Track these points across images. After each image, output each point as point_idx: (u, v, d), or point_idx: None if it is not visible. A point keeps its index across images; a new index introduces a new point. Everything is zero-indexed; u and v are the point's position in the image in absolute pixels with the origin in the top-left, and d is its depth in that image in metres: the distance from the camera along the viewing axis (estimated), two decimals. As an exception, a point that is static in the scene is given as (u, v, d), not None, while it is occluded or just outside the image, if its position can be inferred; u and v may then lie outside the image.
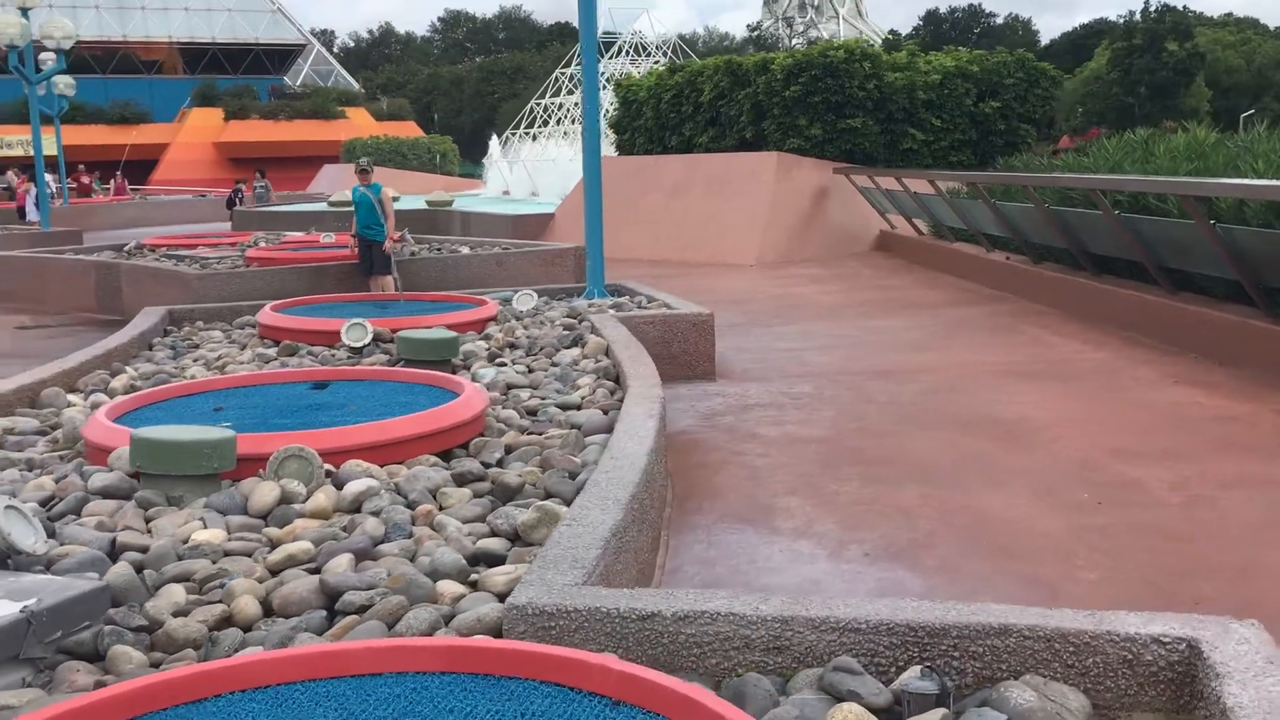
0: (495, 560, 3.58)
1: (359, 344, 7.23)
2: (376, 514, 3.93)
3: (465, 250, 14.64)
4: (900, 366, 8.67)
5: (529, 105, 36.07)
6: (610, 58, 40.09)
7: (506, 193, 32.75)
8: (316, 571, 3.41)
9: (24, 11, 20.32)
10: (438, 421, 4.79)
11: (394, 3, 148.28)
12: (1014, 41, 69.22)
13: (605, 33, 44.26)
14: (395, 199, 12.67)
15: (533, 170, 31.95)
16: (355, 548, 3.56)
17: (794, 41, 72.40)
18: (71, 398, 6.06)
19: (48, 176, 28.24)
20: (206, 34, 58.95)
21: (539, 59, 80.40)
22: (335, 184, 37.27)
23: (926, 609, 2.87)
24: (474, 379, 6.31)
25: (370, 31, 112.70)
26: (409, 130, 55.55)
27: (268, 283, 12.24)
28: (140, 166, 50.74)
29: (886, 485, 5.53)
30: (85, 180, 38.37)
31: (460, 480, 4.35)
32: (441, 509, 4.10)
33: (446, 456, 4.87)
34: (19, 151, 45.59)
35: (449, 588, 3.28)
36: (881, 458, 6.03)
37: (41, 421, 5.57)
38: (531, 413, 5.71)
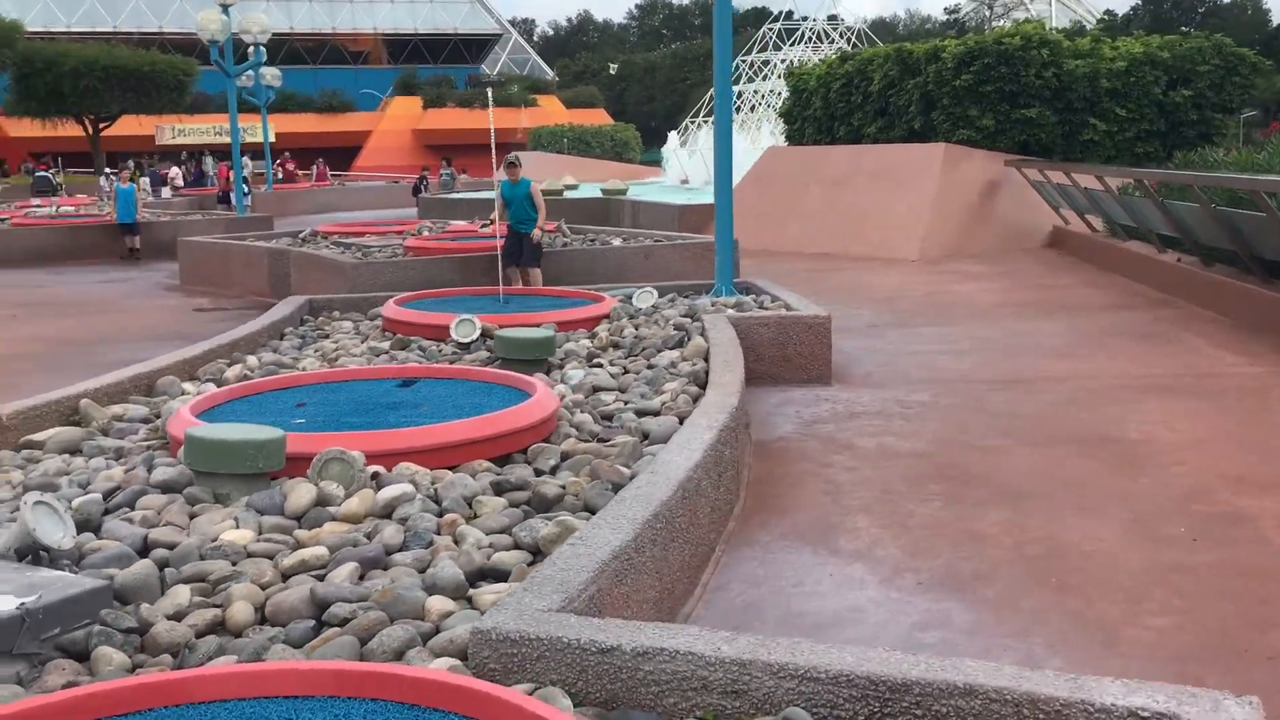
0: (502, 576, 3.57)
1: (467, 340, 7.35)
2: (404, 521, 3.98)
3: (616, 242, 14.71)
4: (1034, 374, 8.25)
5: (709, 93, 35.99)
6: (791, 44, 39.60)
7: (684, 181, 32.80)
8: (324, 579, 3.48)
9: (225, 9, 21.48)
10: (492, 427, 4.81)
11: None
12: (1241, 23, 64.88)
13: (789, 18, 43.74)
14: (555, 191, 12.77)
15: (709, 159, 31.86)
16: (366, 556, 3.61)
17: (997, 24, 69.78)
18: (187, 386, 6.37)
19: (247, 162, 29.97)
20: (409, 25, 61.16)
21: (731, 45, 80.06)
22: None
23: (893, 661, 2.70)
24: (562, 380, 6.33)
25: (569, 19, 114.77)
26: (597, 118, 56.29)
27: (419, 273, 12.59)
28: (344, 154, 53.11)
29: (968, 507, 5.26)
30: (290, 166, 40.42)
31: (499, 489, 4.36)
32: (476, 517, 4.11)
33: (506, 461, 4.90)
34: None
35: (439, 604, 3.28)
36: (974, 476, 5.75)
37: (150, 410, 5.88)
38: (607, 418, 5.68)
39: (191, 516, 4.05)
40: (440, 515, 4.06)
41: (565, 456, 4.89)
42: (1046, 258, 15.94)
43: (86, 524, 3.91)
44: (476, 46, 64.04)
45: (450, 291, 9.53)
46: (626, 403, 5.94)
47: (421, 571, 3.56)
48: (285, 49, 58.76)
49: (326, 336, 8.39)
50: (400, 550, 3.76)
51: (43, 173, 34.48)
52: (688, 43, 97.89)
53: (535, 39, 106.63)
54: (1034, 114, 17.31)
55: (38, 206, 24.93)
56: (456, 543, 3.84)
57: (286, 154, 42.43)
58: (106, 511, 4.16)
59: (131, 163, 39.03)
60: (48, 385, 6.42)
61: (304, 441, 4.54)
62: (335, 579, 3.44)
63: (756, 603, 4.27)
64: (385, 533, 3.81)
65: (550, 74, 70.98)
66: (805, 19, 44.52)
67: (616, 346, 7.38)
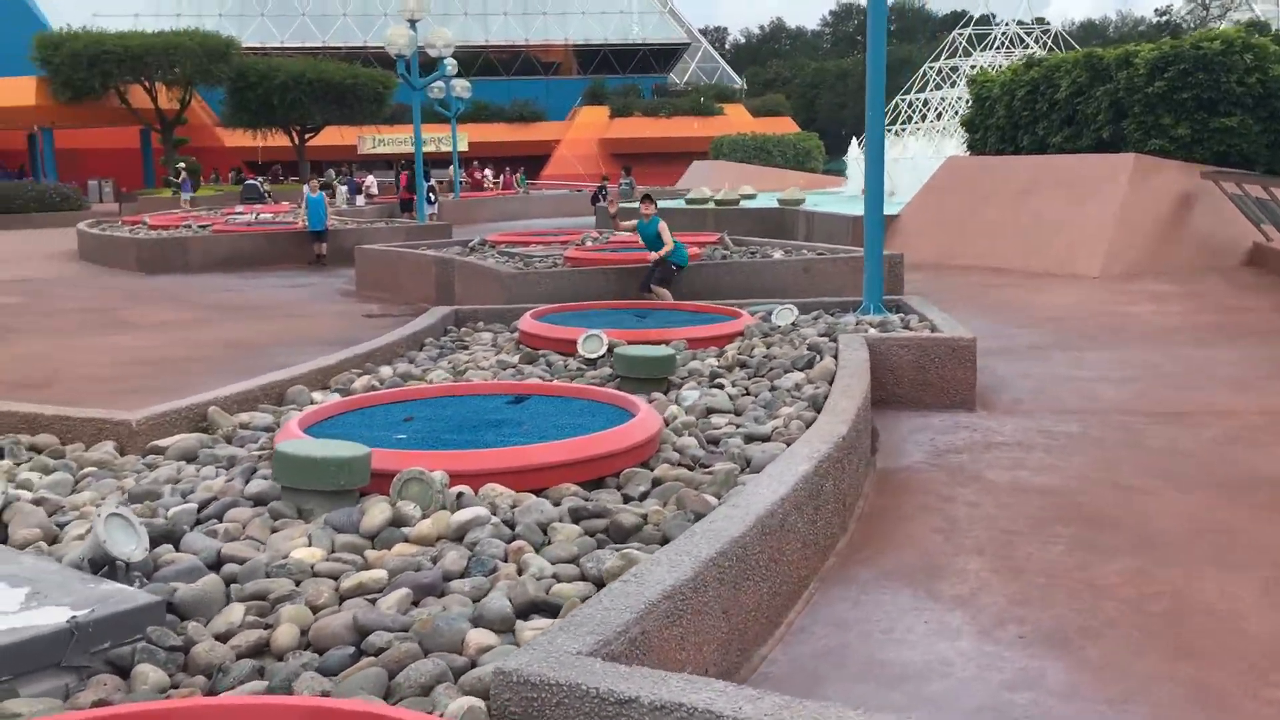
0: (555, 610, 3.47)
1: (594, 355, 7.31)
2: (474, 546, 3.93)
3: (777, 255, 14.47)
4: (1201, 407, 7.66)
5: (894, 101, 35.15)
6: (983, 49, 38.29)
7: (866, 191, 32.17)
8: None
9: (412, 24, 22.22)
10: (581, 450, 4.73)
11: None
12: None
13: (983, 22, 42.29)
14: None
15: (891, 168, 31.16)
16: (422, 582, 3.58)
17: (1214, 25, 65.93)
18: (316, 395, 6.54)
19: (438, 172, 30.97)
20: (599, 36, 62.13)
21: (927, 51, 78.47)
22: (700, 180, 38.17)
23: (923, 737, 2.48)
24: (676, 401, 6.21)
25: (761, 27, 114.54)
26: (784, 126, 55.89)
27: (574, 284, 12.67)
28: (534, 162, 54.35)
29: (1094, 554, 4.87)
30: (479, 176, 41.59)
31: (576, 515, 4.27)
32: (549, 545, 4.03)
33: (599, 484, 4.82)
34: (430, 148, 50.16)
35: (480, 638, 3.21)
36: (1108, 519, 5.33)
37: (274, 419, 6.05)
38: (714, 442, 5.53)
39: (273, 531, 4.12)
40: (510, 541, 3.99)
41: (657, 483, 4.77)
42: (1241, 278, 14.86)
43: (170, 535, 4.01)
44: (665, 56, 64.52)
45: (589, 305, 9.52)
46: (738, 426, 5.77)
47: (475, 601, 3.50)
48: (480, 61, 60.63)
49: (466, 348, 8.51)
50: (461, 577, 3.71)
51: (251, 181, 36.44)
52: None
53: (727, 47, 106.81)
54: (1235, 123, 16.18)
55: (240, 213, 26.34)
56: (520, 572, 3.77)
57: (475, 163, 43.68)
58: (198, 522, 4.28)
59: (332, 171, 41.01)
60: (210, 388, 6.70)
61: (394, 459, 4.56)
62: (384, 605, 3.41)
63: (838, 648, 4.04)
64: (447, 558, 3.77)
65: (739, 82, 70.90)
66: (1003, 22, 43.08)
67: (743, 366, 7.21)
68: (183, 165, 35.74)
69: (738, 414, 6.09)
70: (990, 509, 5.54)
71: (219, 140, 51.93)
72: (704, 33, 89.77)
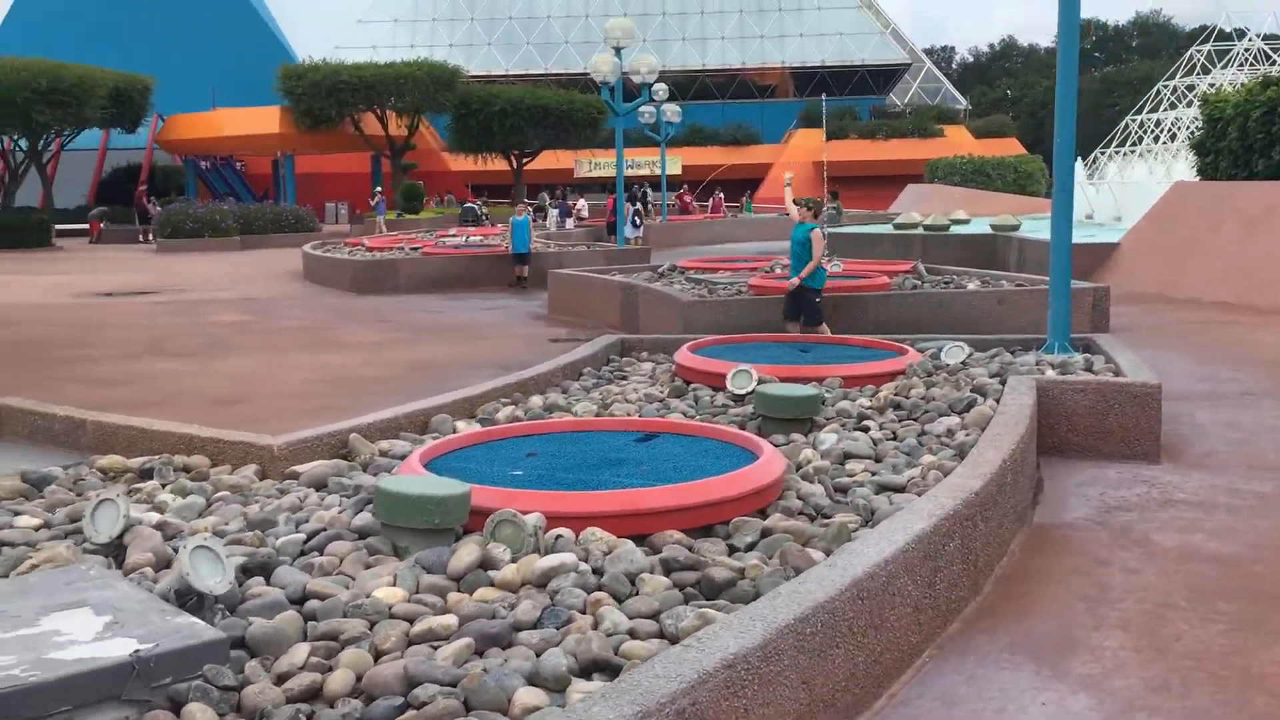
0: (617, 671, 3.33)
1: (742, 392, 7.12)
2: (555, 594, 3.84)
3: (971, 285, 13.87)
4: None
5: (1124, 121, 33.27)
6: (1223, 67, 35.81)
7: (1089, 217, 30.64)
8: (443, 651, 3.40)
9: (617, 51, 22.57)
10: (688, 496, 4.57)
11: (1024, 15, 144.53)
12: None
13: (1223, 36, 39.61)
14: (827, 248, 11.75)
15: (1117, 192, 29.56)
16: (489, 632, 3.50)
17: None
18: (459, 425, 6.61)
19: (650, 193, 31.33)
20: (817, 58, 61.65)
21: (1170, 68, 74.32)
22: (915, 204, 37.23)
23: None
24: (813, 444, 5.96)
25: (991, 45, 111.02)
26: (1007, 148, 53.91)
27: (754, 313, 12.48)
28: (748, 185, 54.32)
29: (1256, 637, 4.36)
30: (687, 199, 41.87)
31: (667, 566, 4.11)
32: (634, 596, 3.90)
33: (708, 531, 4.65)
34: (645, 172, 51.03)
35: (528, 698, 3.10)
36: (1283, 597, 4.77)
37: (414, 447, 6.13)
38: (842, 490, 5.26)
39: (366, 568, 4.13)
40: (593, 591, 3.88)
41: (767, 533, 4.55)
42: None
43: (266, 567, 4.08)
44: (884, 77, 63.41)
45: (751, 337, 9.31)
46: (873, 475, 5.48)
47: (539, 655, 3.40)
48: (696, 85, 61.15)
49: (624, 378, 8.46)
50: (533, 627, 3.61)
51: (470, 204, 37.85)
52: (1121, 66, 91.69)
53: (953, 66, 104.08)
54: None
55: (452, 235, 27.35)
56: (596, 625, 3.65)
57: (684, 186, 43.99)
58: (302, 553, 4.34)
59: (546, 195, 42.16)
60: (380, 409, 6.89)
61: (498, 497, 4.53)
62: (442, 655, 3.35)
63: (941, 728, 3.74)
64: (521, 607, 3.68)
65: (963, 103, 68.94)
66: (1248, 37, 40.23)
67: (896, 408, 6.87)
68: (379, 189, 37.43)
69: (877, 460, 5.79)
70: (1149, 576, 5.05)
71: (445, 164, 54.21)
72: (929, 52, 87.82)
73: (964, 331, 12.16)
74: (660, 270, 16.89)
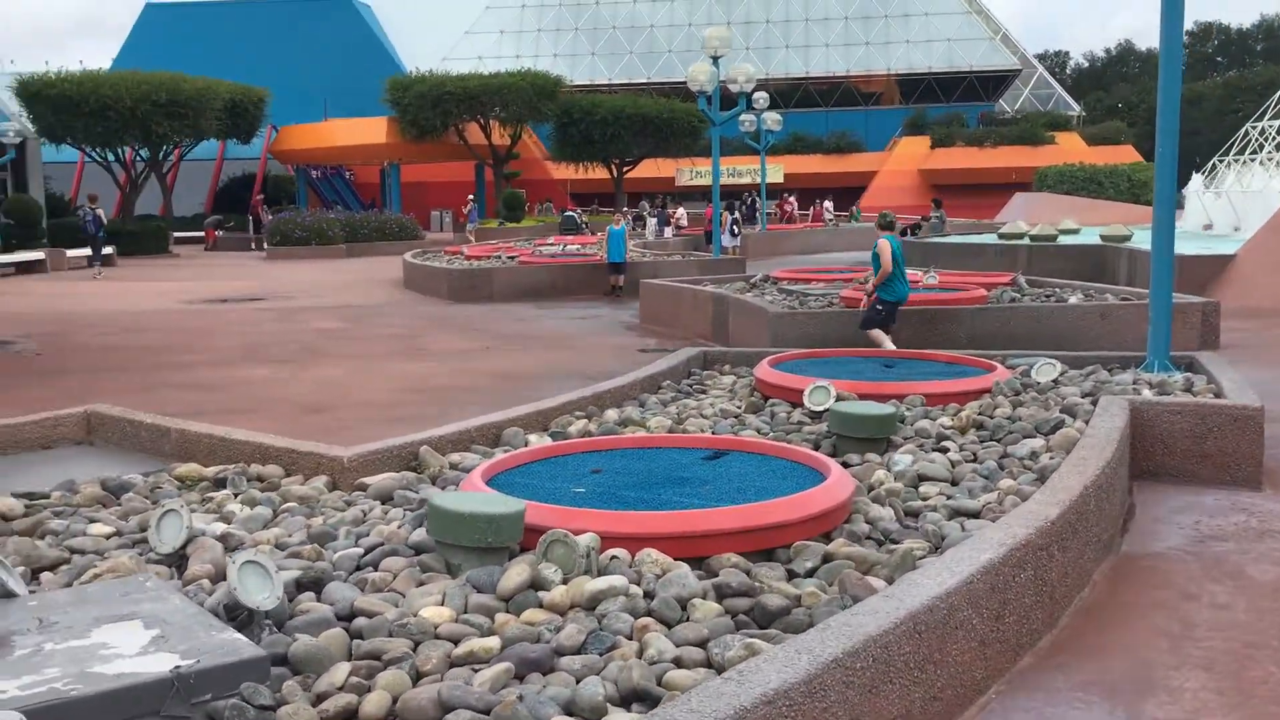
0: (656, 701, 3.24)
1: (820, 408, 6.97)
2: (602, 618, 3.77)
3: (1073, 299, 13.44)
4: None
5: (1244, 128, 32.01)
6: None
7: (1207, 227, 29.56)
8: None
9: (714, 60, 22.48)
10: (747, 519, 4.46)
11: (1143, 19, 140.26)
12: None
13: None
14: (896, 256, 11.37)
15: (1236, 201, 28.43)
16: (530, 656, 3.44)
17: None
18: (531, 438, 6.59)
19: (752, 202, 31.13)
20: (924, 64, 60.72)
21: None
22: (1022, 213, 36.36)
23: None
24: (889, 466, 5.79)
25: (1107, 50, 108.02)
26: (1122, 155, 52.38)
27: (841, 327, 12.27)
28: (852, 194, 53.74)
29: (1353, 683, 4.08)
30: (788, 207, 41.55)
31: (720, 592, 4.01)
32: (685, 622, 3.81)
33: (769, 555, 4.53)
34: (747, 180, 50.84)
35: (561, 727, 3.04)
36: (1386, 639, 4.47)
37: (484, 460, 6.12)
38: (913, 515, 5.09)
39: (418, 585, 4.11)
40: (641, 616, 3.79)
41: (828, 559, 4.42)
42: None
43: (319, 582, 4.09)
44: (993, 83, 62.15)
45: (836, 351, 9.12)
46: (948, 499, 5.30)
47: (579, 682, 3.33)
48: (799, 93, 60.73)
49: (704, 392, 8.37)
50: (576, 653, 3.54)
51: (570, 213, 38.10)
52: (1245, 70, 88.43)
53: (1067, 71, 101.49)
54: None
55: (550, 244, 27.53)
56: (642, 652, 3.57)
57: (786, 194, 43.67)
58: (358, 568, 4.35)
59: (646, 203, 42.21)
60: (464, 418, 6.93)
61: (555, 516, 4.48)
62: (479, 680, 3.30)
63: (1001, 770, 3.56)
64: (565, 631, 3.62)
65: (1076, 109, 67.22)
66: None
67: (979, 428, 6.64)
68: (471, 197, 37.87)
69: (953, 483, 5.59)
70: (1239, 613, 4.78)
71: (547, 173, 54.74)
72: (1042, 58, 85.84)
73: (1063, 347, 11.80)
74: (753, 281, 16.74)
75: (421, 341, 15.07)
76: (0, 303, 21.24)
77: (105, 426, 7.03)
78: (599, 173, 47.87)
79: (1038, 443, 6.17)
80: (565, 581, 4.03)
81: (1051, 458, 5.85)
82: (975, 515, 5.06)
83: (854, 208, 44.05)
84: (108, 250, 28.86)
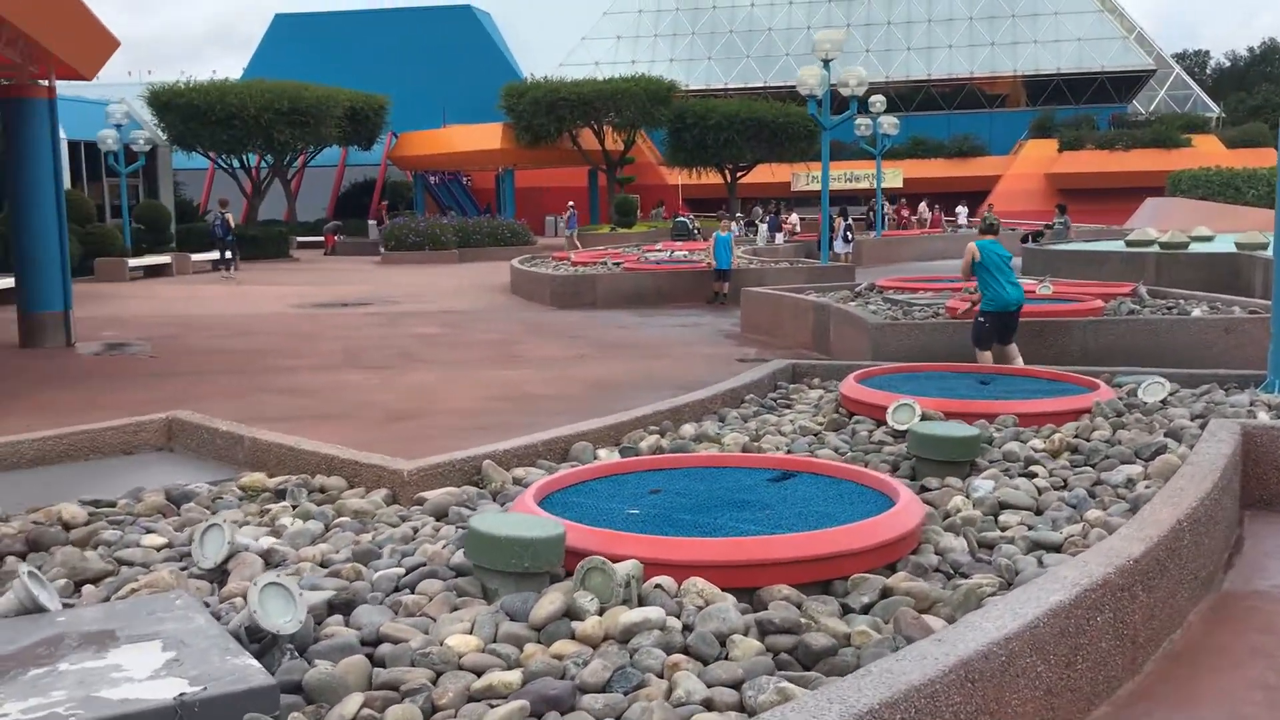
0: (675, 749, 3.03)
1: (903, 427, 6.64)
2: (634, 653, 3.57)
3: (1196, 312, 12.73)
4: None
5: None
6: None
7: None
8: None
9: (825, 64, 22.09)
10: (801, 548, 4.21)
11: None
12: None
13: None
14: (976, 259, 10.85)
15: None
16: (549, 694, 3.26)
17: None
18: (601, 452, 6.42)
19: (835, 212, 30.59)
20: (1051, 65, 58.96)
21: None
22: (1152, 220, 34.97)
23: None
24: (968, 492, 5.46)
25: (1250, 49, 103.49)
26: (1265, 159, 50.00)
27: (948, 339, 11.83)
28: (974, 198, 52.46)
29: None
30: (905, 213, 40.70)
31: (763, 628, 3.77)
32: (724, 659, 3.59)
33: (826, 587, 4.28)
34: (865, 185, 50.02)
35: (568, 775, 2.85)
36: None
37: (550, 475, 5.97)
38: (988, 547, 4.77)
39: (452, 609, 3.97)
40: (675, 652, 3.58)
41: (887, 593, 4.14)
42: None
43: (350, 604, 3.98)
44: (1126, 84, 60.02)
45: (928, 366, 8.73)
46: (1030, 529, 4.96)
47: (598, 722, 3.14)
48: (921, 95, 59.56)
49: (789, 406, 8.10)
50: (600, 691, 3.35)
51: (682, 218, 37.95)
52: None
53: (1207, 72, 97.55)
54: None
55: (658, 250, 27.42)
56: (673, 689, 3.36)
57: (902, 200, 42.79)
58: (397, 589, 4.23)
59: (759, 209, 41.83)
60: (551, 427, 6.85)
61: (600, 540, 4.30)
62: (491, 718, 3.13)
63: (1060, 836, 3.25)
64: (590, 667, 3.42)
65: (1215, 110, 64.54)
66: None
67: (1074, 452, 6.25)
68: (571, 204, 37.95)
69: (1038, 512, 5.24)
70: (1350, 665, 4.35)
71: (662, 178, 54.71)
72: (1180, 58, 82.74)
73: (1183, 364, 11.20)
74: (858, 289, 16.34)
75: (518, 348, 15.07)
76: (127, 306, 22.01)
77: (185, 433, 7.09)
78: (713, 178, 47.63)
79: (1135, 469, 5.77)
80: (602, 612, 3.84)
81: (1148, 486, 5.45)
82: (1057, 549, 4.72)
83: (986, 208, 42.43)
84: (227, 255, 29.73)
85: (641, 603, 3.93)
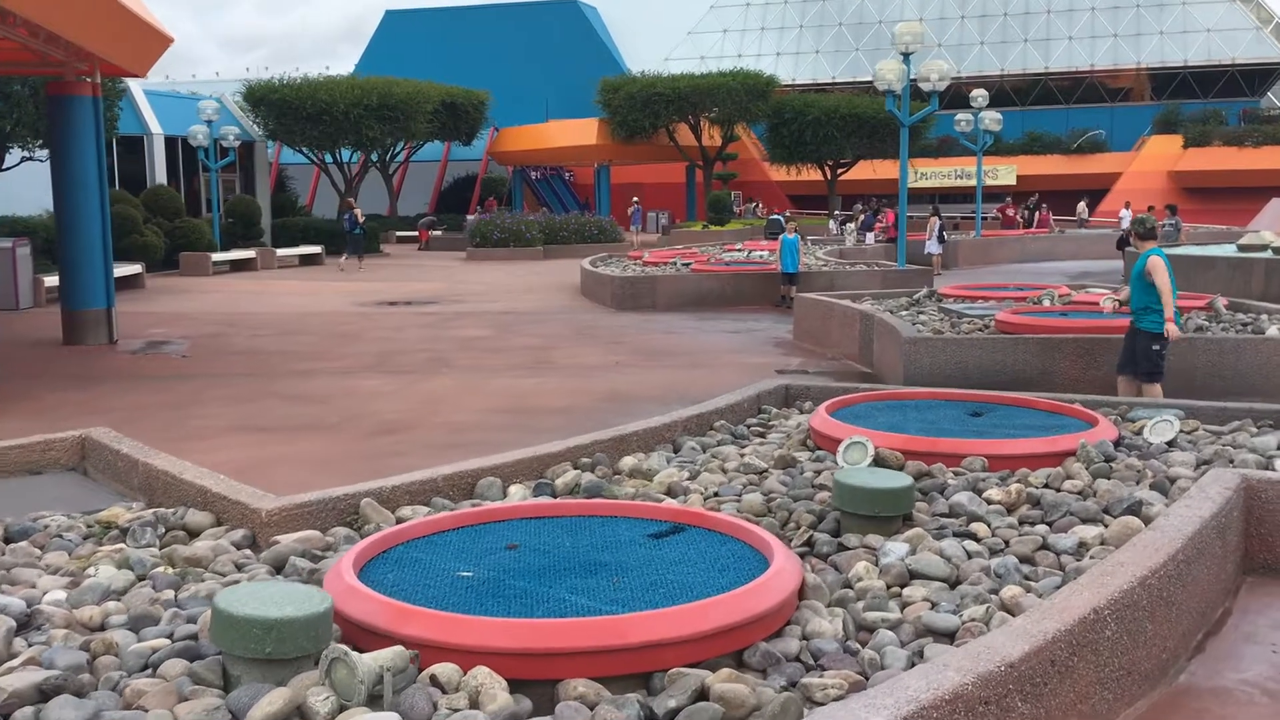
0: None
1: (853, 468, 5.88)
2: (345, 771, 2.97)
3: (1272, 330, 11.51)
4: None
5: None
6: None
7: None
8: None
9: (905, 58, 21.06)
10: (598, 636, 3.54)
11: None
12: None
13: None
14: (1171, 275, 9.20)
15: None
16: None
17: None
18: (513, 490, 5.82)
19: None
20: (1178, 57, 56.08)
21: None
22: (1275, 222, 32.76)
23: None
24: (877, 555, 4.70)
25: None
26: None
27: (989, 357, 10.92)
28: (1094, 197, 50.23)
29: None
30: (1010, 213, 39.04)
31: (515, 743, 3.12)
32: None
33: (645, 681, 3.61)
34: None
35: None
36: None
37: (432, 511, 5.39)
38: (870, 629, 4.03)
39: (181, 700, 3.41)
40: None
41: (700, 696, 3.46)
42: None
43: (61, 689, 3.43)
44: (1259, 77, 56.76)
45: (918, 394, 7.84)
46: (933, 607, 4.20)
47: None
48: (1038, 89, 57.33)
49: (763, 435, 7.38)
50: (267, 825, 2.76)
51: (776, 215, 36.99)
52: None
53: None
54: None
55: (738, 249, 26.65)
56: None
57: (1008, 199, 41.07)
58: (145, 667, 3.69)
59: (859, 205, 40.63)
60: (541, 444, 6.35)
61: (384, 615, 3.71)
62: None
63: None
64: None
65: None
66: None
67: (1035, 505, 5.41)
68: (636, 200, 37.39)
69: (953, 585, 4.46)
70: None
71: (765, 174, 53.74)
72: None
73: (1251, 390, 10.15)
74: (916, 296, 15.37)
75: (554, 353, 14.56)
76: (194, 301, 22.21)
77: (95, 454, 6.73)
78: (813, 174, 46.50)
79: (1092, 531, 4.92)
80: (340, 712, 3.25)
81: (1092, 557, 4.63)
82: (950, 636, 3.96)
83: (1124, 207, 39.90)
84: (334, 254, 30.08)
85: (391, 705, 3.32)
